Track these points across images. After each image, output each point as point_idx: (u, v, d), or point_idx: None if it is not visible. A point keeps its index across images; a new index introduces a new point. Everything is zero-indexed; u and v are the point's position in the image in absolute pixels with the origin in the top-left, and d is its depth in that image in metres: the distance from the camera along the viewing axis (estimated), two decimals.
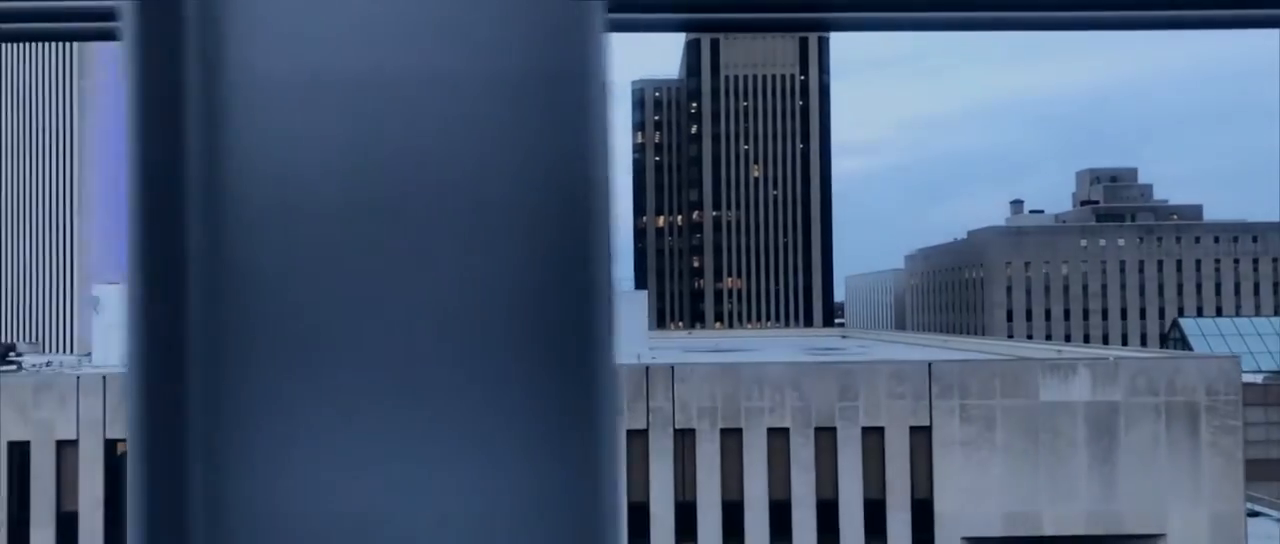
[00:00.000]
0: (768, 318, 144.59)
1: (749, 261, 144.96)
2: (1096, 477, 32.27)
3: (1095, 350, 46.00)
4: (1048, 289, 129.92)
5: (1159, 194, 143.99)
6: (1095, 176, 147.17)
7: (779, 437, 32.62)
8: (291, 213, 0.87)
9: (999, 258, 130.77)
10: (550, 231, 0.86)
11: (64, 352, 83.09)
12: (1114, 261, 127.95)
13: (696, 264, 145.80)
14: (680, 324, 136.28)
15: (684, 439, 32.72)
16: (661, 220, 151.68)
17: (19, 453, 32.84)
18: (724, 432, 32.64)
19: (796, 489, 32.45)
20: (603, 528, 0.84)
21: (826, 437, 32.63)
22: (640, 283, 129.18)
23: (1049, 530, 32.26)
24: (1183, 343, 56.58)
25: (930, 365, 32.98)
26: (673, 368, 32.94)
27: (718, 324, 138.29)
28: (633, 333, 64.65)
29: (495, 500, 0.82)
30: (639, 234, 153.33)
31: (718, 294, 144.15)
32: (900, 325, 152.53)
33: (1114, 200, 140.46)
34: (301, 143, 0.87)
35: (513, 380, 0.85)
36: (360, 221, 0.87)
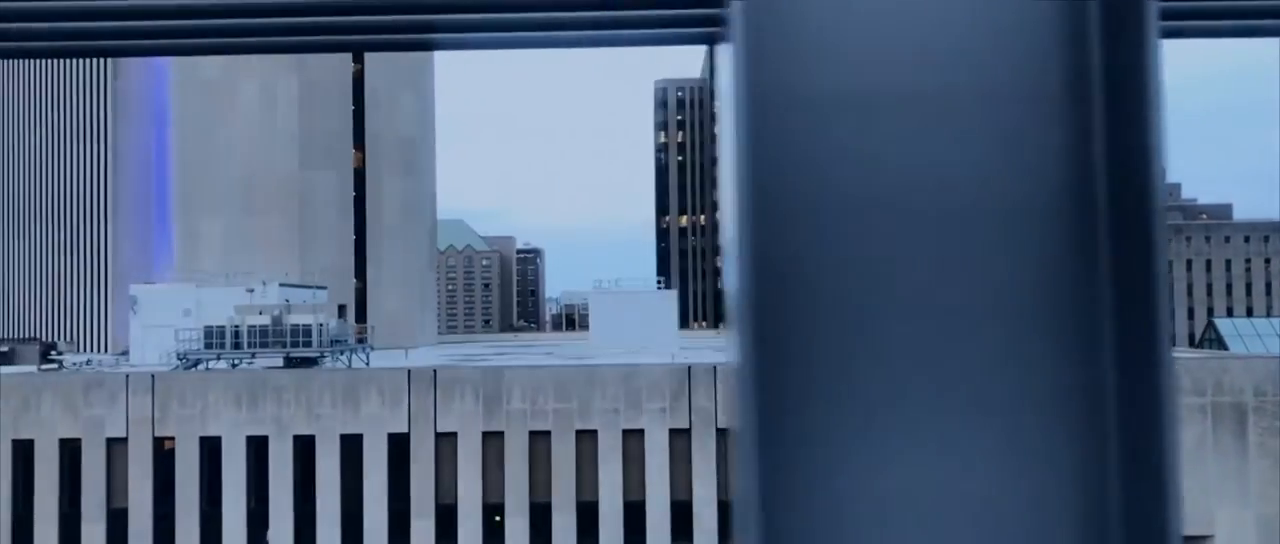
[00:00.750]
0: None
1: None
2: None
3: None
4: None
5: (1187, 193, 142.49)
6: None
7: None
8: (860, 218, 0.90)
9: None
10: (1099, 232, 0.89)
11: (98, 351, 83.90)
12: None
13: (720, 264, 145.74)
14: (703, 323, 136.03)
15: (727, 439, 32.74)
16: (684, 220, 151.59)
17: (70, 450, 33.28)
18: None
19: None
20: (1164, 518, 0.89)
21: None
22: (661, 283, 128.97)
23: None
24: (1219, 343, 55.94)
25: None
26: (716, 367, 32.97)
27: None
28: (664, 331, 64.73)
29: (1033, 487, 0.88)
30: (662, 233, 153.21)
31: None
32: None
33: None
34: (865, 154, 0.90)
35: (1051, 372, 0.86)
36: (919, 226, 0.90)
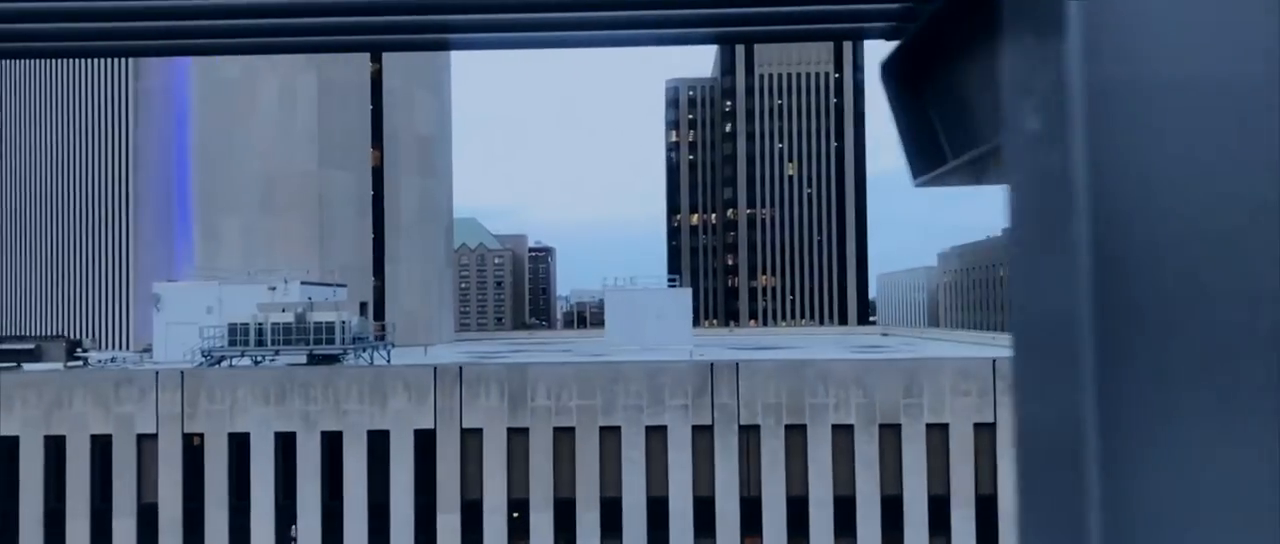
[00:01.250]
0: (801, 316, 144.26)
1: (783, 259, 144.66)
2: None
3: None
4: None
5: None
6: None
7: (843, 433, 32.89)
8: (1210, 210, 0.86)
9: None
10: None
11: (119, 348, 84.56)
12: None
13: (731, 262, 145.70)
14: (714, 322, 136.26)
15: (749, 435, 33.06)
16: (696, 218, 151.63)
17: (101, 446, 33.75)
18: (789, 428, 32.95)
19: (860, 486, 32.71)
20: None
21: (891, 433, 32.85)
22: (672, 283, 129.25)
23: None
24: None
25: (995, 362, 33.08)
26: (737, 364, 33.28)
27: (752, 322, 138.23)
28: (679, 330, 64.99)
29: None
30: (673, 232, 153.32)
31: (752, 292, 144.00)
32: (933, 323, 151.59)
33: None
34: (1177, 144, 0.87)
35: None
36: (1236, 220, 0.86)
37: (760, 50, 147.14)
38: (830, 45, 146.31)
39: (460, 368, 33.72)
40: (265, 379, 33.84)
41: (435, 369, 33.75)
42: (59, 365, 42.98)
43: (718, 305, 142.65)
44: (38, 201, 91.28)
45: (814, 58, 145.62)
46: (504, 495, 33.12)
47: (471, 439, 33.41)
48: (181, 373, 34.08)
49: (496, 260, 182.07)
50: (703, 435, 33.10)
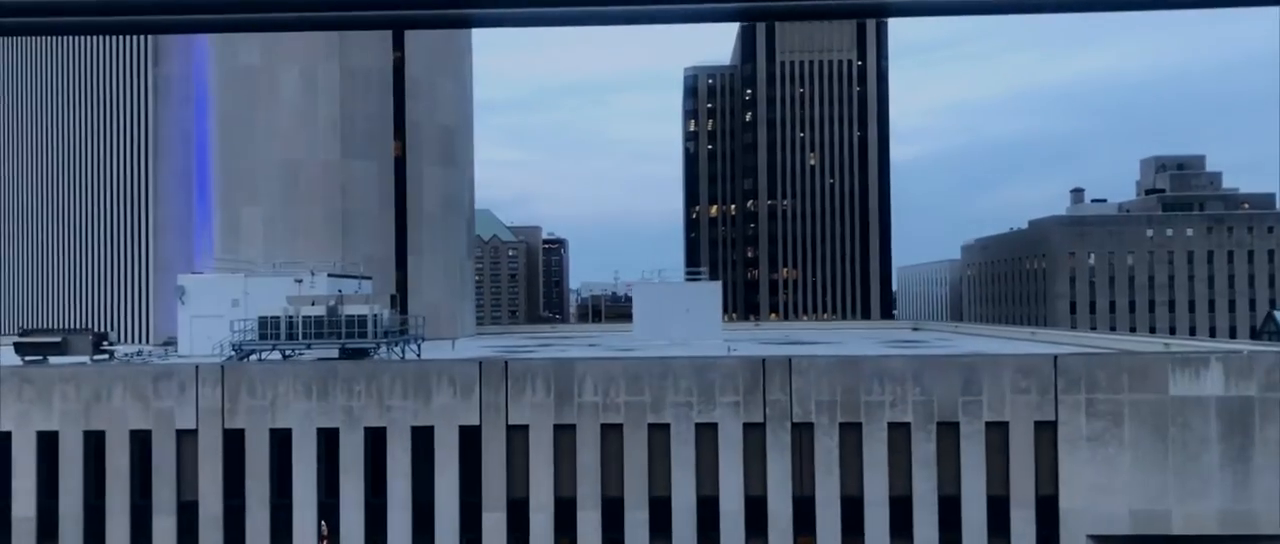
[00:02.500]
0: (823, 309, 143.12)
1: (804, 252, 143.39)
2: (1229, 474, 31.33)
3: (1226, 344, 44.71)
4: (1113, 280, 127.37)
5: (1228, 182, 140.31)
6: (1161, 164, 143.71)
7: (900, 431, 32.00)
8: None
9: (1062, 248, 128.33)
10: None
11: (138, 340, 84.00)
12: (1182, 252, 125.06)
13: (750, 254, 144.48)
14: (733, 315, 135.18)
15: (802, 433, 32.19)
16: (714, 210, 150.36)
17: (140, 442, 33.05)
18: (843, 426, 32.07)
19: (918, 486, 31.83)
20: None
21: (949, 432, 31.96)
22: (694, 275, 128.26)
23: (1178, 529, 31.38)
24: (1279, 335, 54.68)
25: (1056, 359, 32.15)
26: (790, 360, 32.38)
27: (773, 315, 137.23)
28: (708, 323, 64.09)
29: None
30: (691, 224, 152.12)
31: (773, 285, 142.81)
32: (956, 317, 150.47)
33: (1181, 189, 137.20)
34: None
35: None
36: None
37: (782, 37, 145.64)
38: (853, 32, 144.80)
39: (505, 363, 32.89)
40: (307, 374, 33.06)
41: (480, 364, 32.93)
42: (86, 358, 42.25)
43: (738, 299, 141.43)
44: (55, 191, 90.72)
45: (837, 45, 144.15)
46: (550, 493, 32.32)
47: (517, 436, 32.61)
48: (222, 367, 33.33)
49: (510, 253, 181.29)
50: (754, 433, 32.25)
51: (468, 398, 32.60)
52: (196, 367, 33.40)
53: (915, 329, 77.62)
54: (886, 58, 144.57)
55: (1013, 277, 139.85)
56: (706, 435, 32.29)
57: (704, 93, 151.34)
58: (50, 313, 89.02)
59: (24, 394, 33.41)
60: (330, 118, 66.54)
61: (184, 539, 32.71)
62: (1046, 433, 31.82)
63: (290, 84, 66.25)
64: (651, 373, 32.56)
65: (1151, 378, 31.72)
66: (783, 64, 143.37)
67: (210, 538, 32.65)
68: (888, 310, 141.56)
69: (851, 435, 32.06)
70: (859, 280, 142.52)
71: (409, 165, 69.89)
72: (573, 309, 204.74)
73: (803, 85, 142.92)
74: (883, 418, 31.96)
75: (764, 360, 32.54)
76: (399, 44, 69.79)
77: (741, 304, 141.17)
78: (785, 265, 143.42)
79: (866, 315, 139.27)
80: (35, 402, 33.31)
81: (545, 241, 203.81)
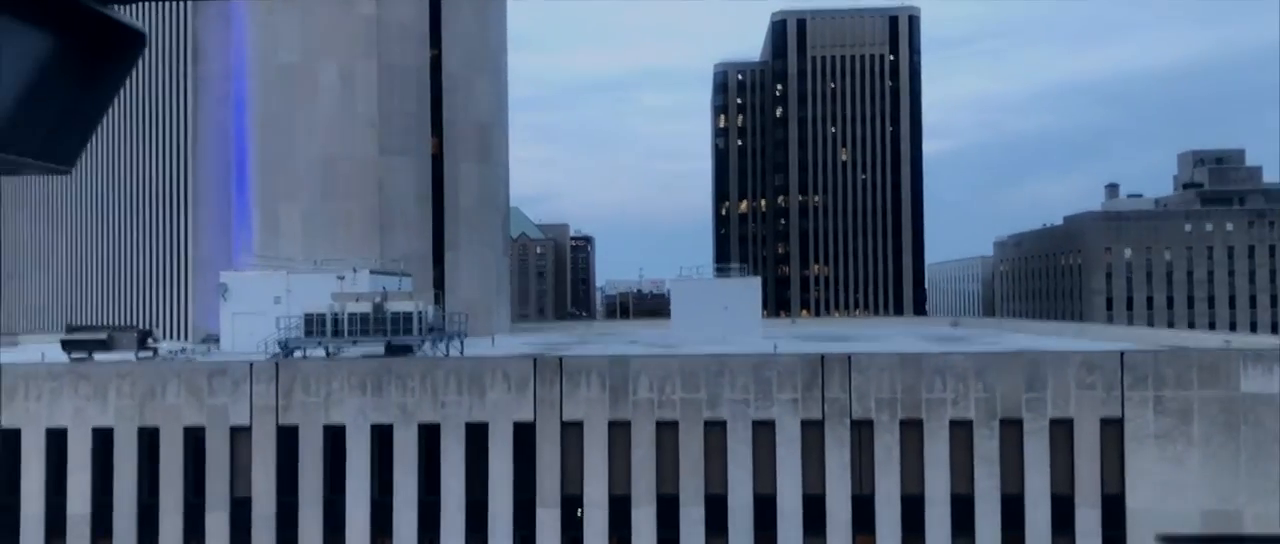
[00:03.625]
0: (855, 306, 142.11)
1: (836, 248, 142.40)
2: None
3: None
4: (1150, 276, 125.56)
5: (1269, 176, 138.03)
6: (1199, 158, 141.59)
7: (961, 429, 31.39)
8: None
9: (1098, 244, 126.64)
10: None
11: (178, 337, 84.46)
12: (1222, 247, 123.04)
13: (781, 251, 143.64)
14: (764, 312, 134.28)
15: (861, 431, 31.65)
16: (744, 206, 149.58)
17: (193, 438, 33.00)
18: (903, 423, 31.51)
19: (980, 484, 31.22)
20: None
21: (1012, 429, 31.31)
22: (723, 271, 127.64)
23: (1250, 529, 30.59)
24: None
25: (1123, 354, 31.42)
26: (849, 357, 31.84)
27: (804, 312, 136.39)
28: (748, 319, 63.49)
29: None
30: (721, 220, 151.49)
31: (804, 281, 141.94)
32: (988, 313, 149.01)
33: (1220, 183, 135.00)
34: None
35: None
36: None
37: (813, 32, 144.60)
38: (886, 26, 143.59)
39: (560, 359, 32.57)
40: (361, 370, 32.88)
41: (535, 360, 32.62)
42: (130, 355, 42.35)
43: (769, 295, 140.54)
44: (96, 189, 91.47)
45: (868, 39, 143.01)
46: (605, 490, 31.97)
47: (572, 432, 32.28)
48: (276, 364, 33.22)
49: (538, 250, 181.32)
50: (812, 430, 31.74)
51: (522, 394, 32.30)
52: (251, 364, 33.31)
53: (955, 325, 76.69)
54: (919, 52, 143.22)
55: (1047, 272, 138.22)
56: (763, 433, 31.82)
57: (734, 88, 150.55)
58: (91, 310, 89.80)
59: (80, 390, 33.44)
60: (368, 115, 66.50)
61: (237, 536, 32.63)
62: (1113, 430, 31.11)
63: (329, 82, 66.29)
64: (707, 369, 32.13)
65: (1221, 374, 30.94)
66: (814, 59, 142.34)
67: (263, 535, 32.55)
68: (920, 307, 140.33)
69: (912, 433, 31.49)
70: (891, 276, 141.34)
71: (446, 162, 69.78)
72: (600, 306, 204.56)
73: (834, 80, 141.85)
74: (944, 415, 31.36)
75: (823, 357, 32.02)
76: (436, 41, 69.68)
77: (772, 301, 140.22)
78: (816, 261, 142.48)
79: (898, 312, 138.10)
80: (91, 398, 33.33)
81: (572, 239, 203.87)
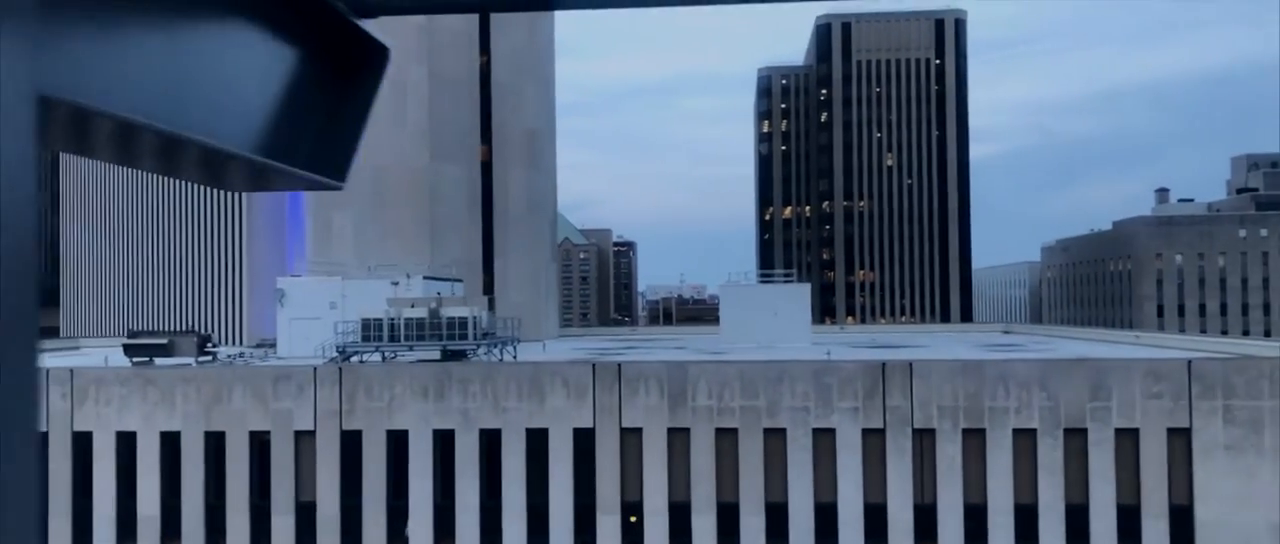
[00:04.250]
0: (901, 312, 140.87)
1: (882, 254, 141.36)
2: None
3: None
4: (1202, 282, 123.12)
5: None
6: (1253, 162, 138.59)
7: (1025, 438, 31.05)
8: None
9: (1148, 249, 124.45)
10: None
11: (233, 342, 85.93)
12: (1277, 253, 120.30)
13: (826, 256, 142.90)
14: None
15: (923, 439, 31.43)
16: (788, 211, 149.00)
17: (259, 443, 33.60)
18: (966, 432, 31.23)
19: (1044, 494, 30.85)
20: None
21: (1076, 438, 30.92)
22: (767, 277, 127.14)
23: None
24: None
25: (1190, 363, 30.90)
26: (911, 364, 31.65)
27: (849, 318, 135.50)
28: (797, 326, 63.22)
29: None
30: (764, 226, 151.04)
31: (849, 287, 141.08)
32: (1035, 320, 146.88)
33: (1275, 187, 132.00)
34: None
35: None
36: None
37: (858, 36, 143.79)
38: (932, 30, 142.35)
39: (619, 365, 32.72)
40: (423, 375, 33.29)
41: (594, 366, 32.81)
42: (190, 360, 43.20)
43: (814, 301, 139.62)
44: (149, 196, 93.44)
45: (914, 43, 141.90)
46: (665, 497, 32.04)
47: (631, 438, 32.40)
48: (340, 369, 33.73)
49: (582, 255, 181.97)
50: (873, 439, 31.58)
51: (581, 400, 32.49)
52: (314, 368, 33.85)
53: (1006, 332, 75.77)
54: (965, 56, 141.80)
55: (1096, 279, 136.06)
56: (824, 441, 31.71)
57: (778, 93, 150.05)
58: (147, 317, 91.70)
59: (148, 395, 34.19)
60: (419, 123, 67.26)
61: (302, 538, 33.16)
62: (1180, 440, 30.59)
63: (380, 89, 67.08)
64: (767, 377, 32.10)
65: None
66: (859, 63, 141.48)
67: (327, 538, 33.04)
68: (967, 313, 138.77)
69: (974, 441, 31.21)
70: (937, 282, 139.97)
71: (495, 169, 70.38)
72: (641, 311, 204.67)
73: (879, 85, 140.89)
74: (1007, 424, 31.05)
75: (883, 364, 31.87)
76: (485, 48, 70.36)
77: (817, 307, 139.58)
78: (862, 267, 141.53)
79: (945, 318, 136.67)
80: (159, 403, 34.07)
81: (615, 244, 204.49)
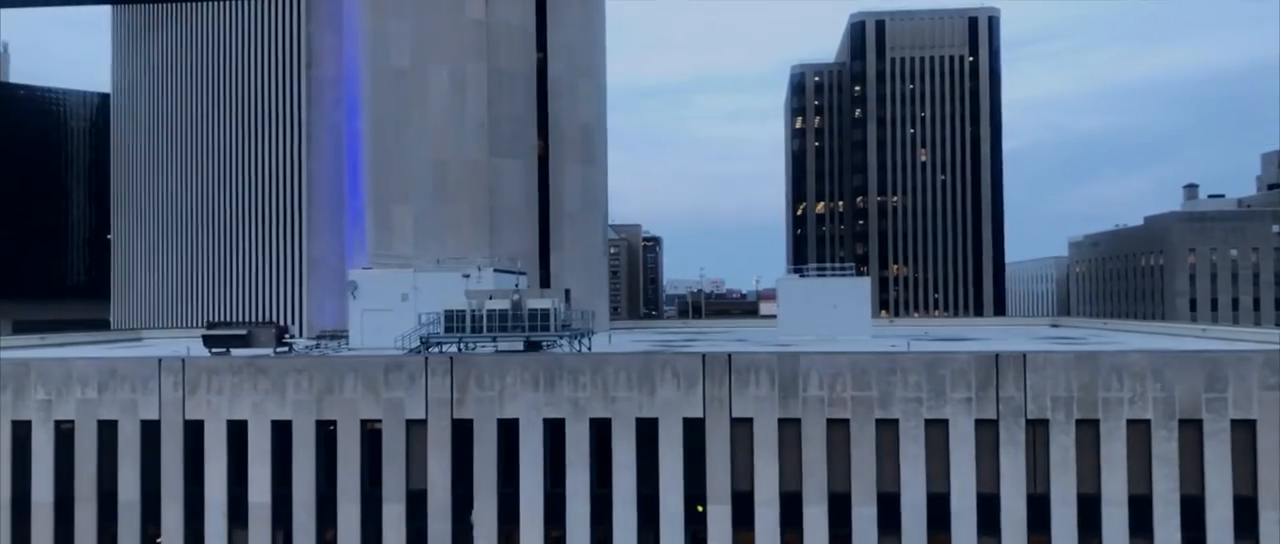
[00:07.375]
0: (934, 307, 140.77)
1: (915, 248, 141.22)
2: None
3: None
4: (1236, 277, 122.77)
5: None
6: None
7: (1139, 429, 31.16)
8: None
9: (1181, 244, 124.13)
10: None
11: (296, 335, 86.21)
12: None
13: (860, 251, 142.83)
14: None
15: (1036, 430, 31.56)
16: (822, 207, 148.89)
17: (370, 431, 33.89)
18: (1079, 423, 31.35)
19: (1158, 485, 30.96)
20: None
21: (1191, 429, 31.01)
22: (798, 272, 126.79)
23: None
24: None
25: None
26: (1024, 356, 31.77)
27: (883, 313, 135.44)
28: (858, 319, 63.20)
29: None
30: (798, 220, 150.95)
31: (882, 282, 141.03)
32: (1062, 314, 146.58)
33: None
34: None
35: None
36: None
37: (892, 33, 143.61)
38: (965, 27, 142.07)
39: (729, 356, 32.91)
40: (533, 365, 33.53)
41: (704, 356, 33.01)
42: (269, 350, 43.50)
43: None
44: (212, 191, 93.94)
45: (948, 41, 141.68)
46: (775, 488, 32.24)
47: (741, 429, 32.61)
48: (450, 359, 33.98)
49: (613, 250, 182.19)
50: (986, 430, 31.72)
51: (691, 390, 32.70)
52: (426, 358, 34.12)
53: (1055, 325, 75.74)
54: (998, 53, 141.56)
55: (1127, 274, 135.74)
56: (936, 431, 31.87)
57: (811, 90, 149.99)
58: (203, 308, 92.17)
59: (259, 385, 34.51)
60: (478, 118, 67.55)
61: (412, 526, 33.45)
62: None
63: (439, 85, 67.44)
64: (879, 367, 32.26)
65: None
66: (893, 60, 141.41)
67: (438, 526, 33.33)
68: (1000, 307, 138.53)
69: (1088, 432, 31.33)
70: (971, 277, 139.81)
71: (552, 163, 70.61)
72: (667, 306, 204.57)
73: (913, 82, 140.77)
74: (1121, 415, 31.16)
75: (997, 355, 31.99)
76: (542, 44, 70.58)
77: None
78: (895, 262, 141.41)
79: (979, 312, 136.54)
80: (269, 392, 34.38)
81: (644, 239, 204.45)
